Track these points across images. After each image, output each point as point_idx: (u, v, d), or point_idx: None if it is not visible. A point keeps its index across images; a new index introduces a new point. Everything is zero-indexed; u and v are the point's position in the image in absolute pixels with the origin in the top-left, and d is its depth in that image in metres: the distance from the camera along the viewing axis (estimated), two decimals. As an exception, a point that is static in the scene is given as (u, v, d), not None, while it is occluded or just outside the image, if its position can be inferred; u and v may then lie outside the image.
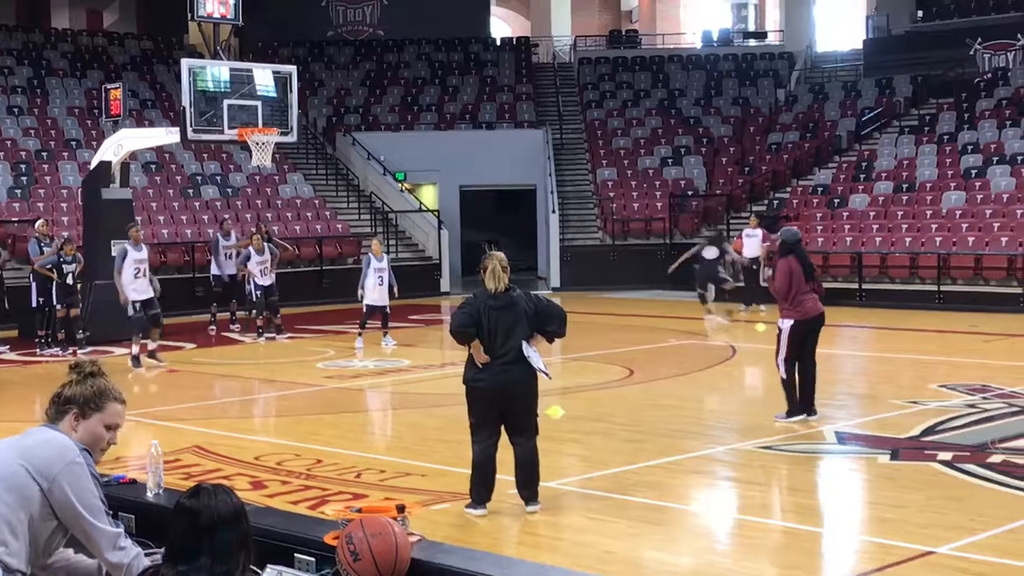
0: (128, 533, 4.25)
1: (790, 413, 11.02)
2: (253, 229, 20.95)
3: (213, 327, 19.75)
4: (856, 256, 23.69)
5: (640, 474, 9.13)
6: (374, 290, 17.44)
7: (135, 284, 15.62)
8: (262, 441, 10.99)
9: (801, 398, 11.04)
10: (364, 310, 17.52)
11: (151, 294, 15.80)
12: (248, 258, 18.86)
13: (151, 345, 15.76)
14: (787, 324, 10.98)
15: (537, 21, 39.53)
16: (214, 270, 20.20)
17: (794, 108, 32.01)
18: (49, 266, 17.55)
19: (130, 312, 15.58)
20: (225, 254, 20.00)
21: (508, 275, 7.90)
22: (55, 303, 17.43)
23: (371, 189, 29.49)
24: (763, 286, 22.53)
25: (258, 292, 18.79)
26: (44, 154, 26.28)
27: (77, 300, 17.68)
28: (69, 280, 17.46)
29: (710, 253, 20.88)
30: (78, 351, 17.00)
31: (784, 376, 11.06)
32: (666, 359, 16.43)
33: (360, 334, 17.45)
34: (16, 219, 22.97)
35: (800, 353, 11.01)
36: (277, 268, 19.21)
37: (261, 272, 18.73)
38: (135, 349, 15.54)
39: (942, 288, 22.44)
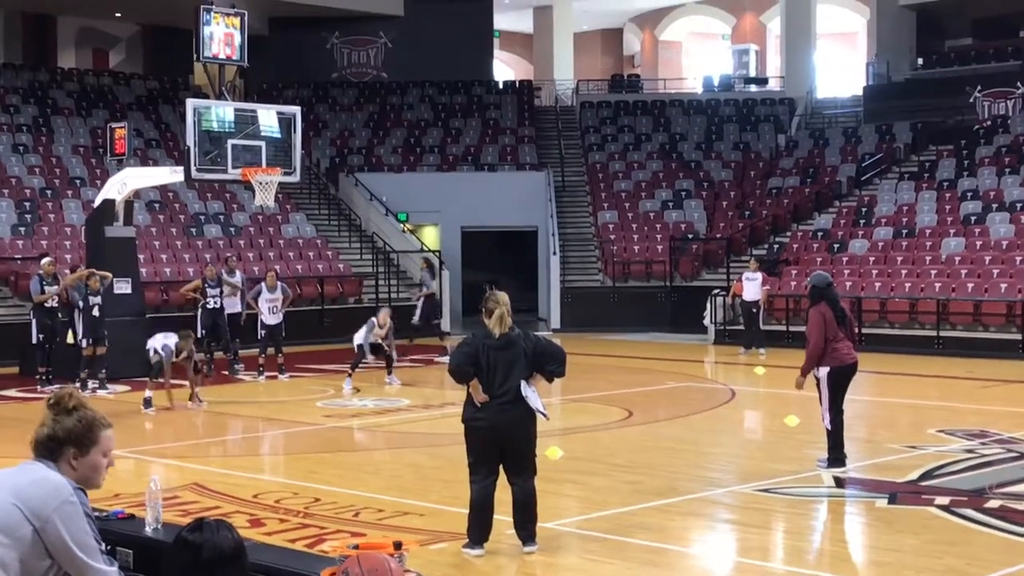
0: (126, 569, 4.26)
1: (832, 462, 10.72)
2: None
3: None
4: (856, 301, 23.70)
5: (638, 516, 9.14)
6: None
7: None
8: (261, 479, 11.00)
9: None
10: (356, 351, 17.58)
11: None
12: (258, 295, 18.90)
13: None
14: (823, 372, 10.72)
15: (540, 65, 39.81)
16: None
17: (794, 153, 32.18)
18: (76, 299, 17.35)
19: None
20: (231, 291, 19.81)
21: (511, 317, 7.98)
22: (81, 339, 16.87)
23: (373, 229, 29.60)
24: (763, 329, 22.72)
25: (263, 331, 18.82)
26: (48, 192, 26.40)
27: (104, 336, 17.07)
28: (96, 312, 16.95)
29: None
30: (97, 390, 16.74)
31: (828, 426, 10.75)
32: (665, 401, 16.45)
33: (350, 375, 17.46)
34: (20, 256, 23.05)
35: (839, 400, 10.75)
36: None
37: (270, 310, 18.75)
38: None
39: (941, 334, 22.46)
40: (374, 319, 17.80)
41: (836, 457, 10.80)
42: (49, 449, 3.91)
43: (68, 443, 3.91)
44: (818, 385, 10.83)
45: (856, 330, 10.87)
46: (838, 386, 10.76)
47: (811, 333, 10.70)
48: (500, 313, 7.87)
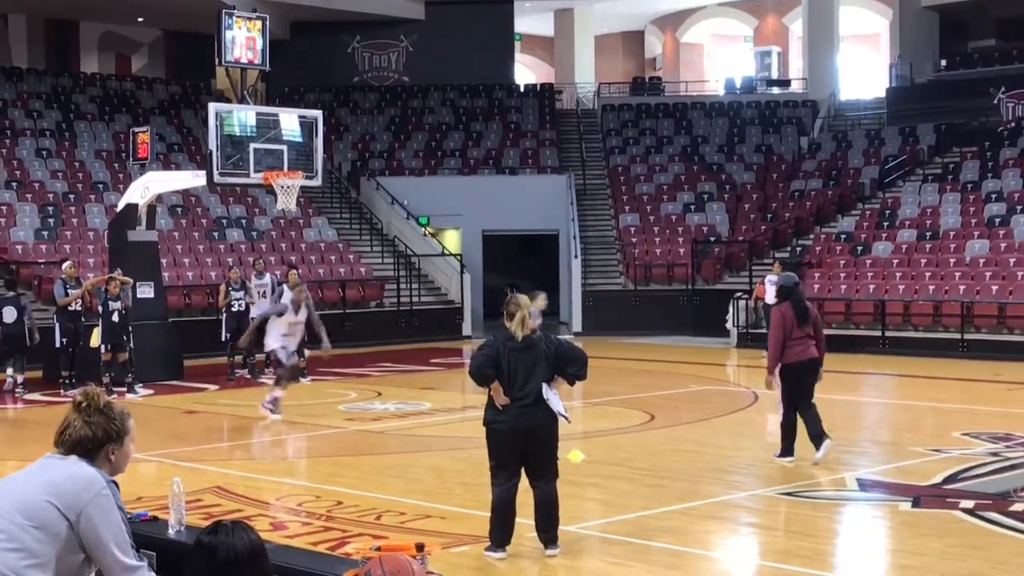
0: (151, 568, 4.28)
1: (783, 453, 11.29)
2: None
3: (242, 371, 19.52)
4: (879, 304, 23.63)
5: (660, 519, 9.11)
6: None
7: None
8: (283, 482, 11.02)
9: (811, 438, 11.18)
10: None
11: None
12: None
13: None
14: (777, 368, 11.32)
15: (561, 68, 39.78)
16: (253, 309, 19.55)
17: (817, 156, 32.06)
18: (91, 301, 17.44)
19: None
20: (259, 292, 19.78)
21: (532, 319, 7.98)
22: (101, 344, 16.83)
23: (394, 233, 29.63)
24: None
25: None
26: (71, 196, 26.54)
27: (124, 343, 17.02)
28: (115, 318, 16.89)
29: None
30: (127, 394, 16.73)
31: (780, 418, 11.43)
32: (687, 404, 16.40)
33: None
34: (43, 260, 23.17)
35: (797, 396, 11.23)
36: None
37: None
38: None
39: (965, 336, 22.34)
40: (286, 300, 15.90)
41: (785, 447, 11.28)
42: (87, 450, 3.98)
43: (108, 441, 4.00)
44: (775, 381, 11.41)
45: (822, 329, 11.51)
46: (794, 382, 11.21)
47: (771, 331, 11.39)
48: (522, 316, 7.86)
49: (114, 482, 3.97)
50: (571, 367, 7.99)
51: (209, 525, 3.70)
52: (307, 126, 18.03)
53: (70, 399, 15.27)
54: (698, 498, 9.85)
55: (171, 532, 5.24)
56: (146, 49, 36.12)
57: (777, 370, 11.29)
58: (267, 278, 20.10)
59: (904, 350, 22.37)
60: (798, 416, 11.21)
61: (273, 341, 15.29)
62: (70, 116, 29.97)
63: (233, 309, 19.20)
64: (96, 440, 3.99)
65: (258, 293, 19.73)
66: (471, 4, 34.65)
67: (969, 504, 9.40)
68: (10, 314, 17.69)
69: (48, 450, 4.07)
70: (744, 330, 24.81)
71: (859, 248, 26.39)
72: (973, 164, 28.26)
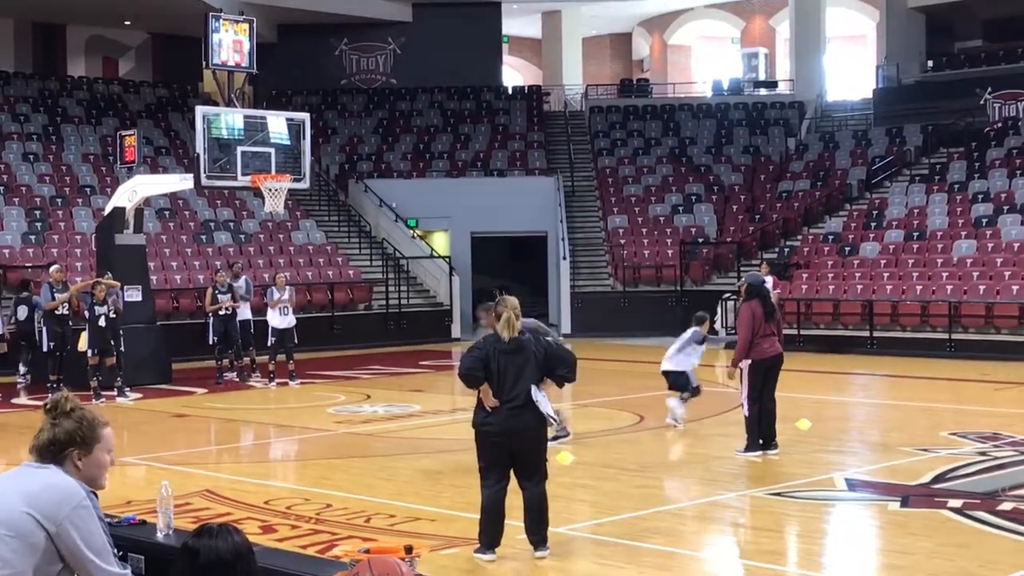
0: (138, 574, 4.27)
1: (748, 448, 11.63)
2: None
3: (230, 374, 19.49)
4: (867, 304, 23.68)
5: (650, 520, 9.12)
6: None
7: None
8: (272, 485, 10.99)
9: (762, 434, 11.65)
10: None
11: None
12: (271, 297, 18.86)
13: None
14: (746, 364, 11.65)
15: (549, 70, 39.80)
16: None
17: (805, 156, 32.13)
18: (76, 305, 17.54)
19: None
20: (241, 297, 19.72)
21: (520, 321, 7.97)
22: (88, 348, 16.81)
23: (383, 235, 29.62)
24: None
25: (272, 337, 18.78)
26: (59, 200, 26.47)
27: (111, 348, 16.95)
28: (102, 323, 16.83)
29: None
30: (116, 398, 16.73)
31: (747, 413, 11.70)
32: (676, 406, 16.37)
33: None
34: (30, 264, 23.11)
35: (761, 391, 11.64)
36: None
37: (280, 311, 18.68)
38: None
39: (953, 336, 22.40)
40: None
41: (752, 442, 11.64)
42: (52, 453, 3.93)
43: (71, 444, 3.93)
44: (740, 376, 11.79)
45: (782, 326, 12.00)
46: (761, 377, 11.62)
47: (740, 328, 11.72)
48: (508, 317, 7.86)
49: (93, 492, 3.93)
50: (560, 369, 8.00)
51: (196, 528, 3.69)
52: (295, 129, 18.02)
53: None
54: (688, 499, 9.87)
55: (159, 536, 5.22)
56: (133, 52, 36.01)
57: (747, 366, 11.63)
58: (242, 281, 19.93)
59: (892, 350, 22.41)
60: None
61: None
62: (57, 120, 29.89)
63: (220, 313, 19.16)
64: (59, 443, 3.92)
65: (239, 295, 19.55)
66: (458, 6, 34.65)
67: (957, 503, 9.42)
68: (23, 312, 17.78)
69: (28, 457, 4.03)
70: (732, 331, 24.80)
71: (847, 249, 26.45)
72: (960, 165, 28.34)
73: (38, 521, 3.76)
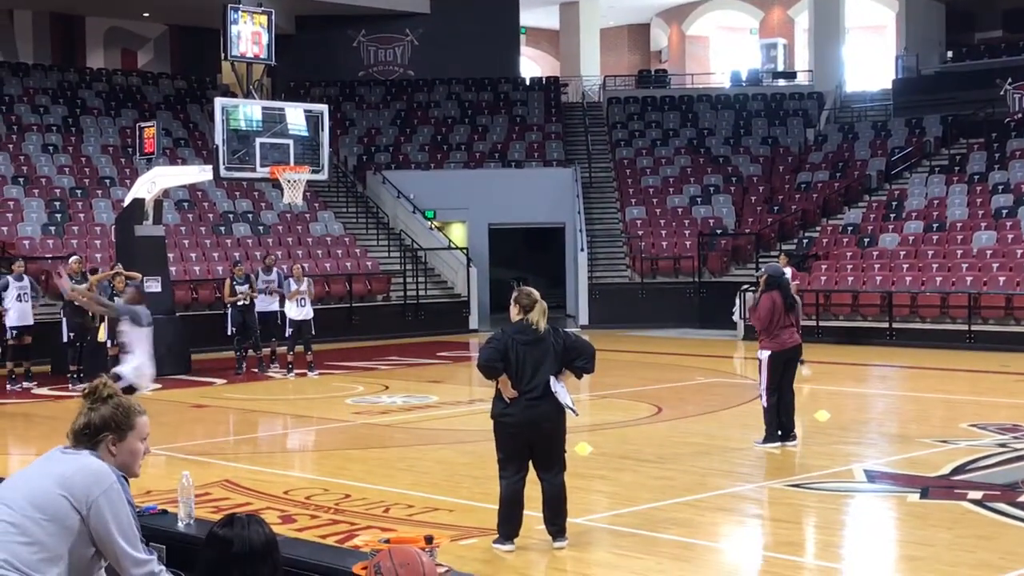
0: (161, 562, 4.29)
1: (767, 439, 11.70)
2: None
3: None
4: (886, 295, 23.60)
5: (668, 511, 9.12)
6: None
7: None
8: (291, 476, 11.04)
9: (781, 425, 11.72)
10: None
11: None
12: (287, 289, 18.88)
13: None
14: (765, 355, 11.70)
15: (566, 61, 39.75)
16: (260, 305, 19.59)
17: (824, 147, 32.01)
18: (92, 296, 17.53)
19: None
20: (266, 287, 19.64)
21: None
22: (108, 338, 16.64)
23: (400, 227, 29.64)
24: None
25: (290, 328, 18.79)
26: (78, 191, 26.57)
27: None
28: None
29: None
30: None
31: (766, 404, 11.76)
32: (694, 397, 16.41)
33: None
34: (50, 256, 23.20)
35: (781, 382, 11.71)
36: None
37: (298, 303, 18.68)
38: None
39: (973, 328, 22.31)
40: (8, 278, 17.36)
41: (770, 434, 11.70)
42: (87, 437, 4.00)
43: (105, 430, 4.00)
44: (759, 367, 11.79)
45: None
46: (780, 368, 11.71)
47: (760, 317, 11.72)
48: (543, 307, 7.90)
49: (124, 477, 3.98)
50: (579, 360, 7.99)
51: (223, 518, 3.71)
52: (313, 120, 18.05)
53: (77, 393, 15.22)
54: (706, 490, 9.86)
55: (180, 525, 5.26)
56: (152, 44, 36.12)
57: (767, 357, 11.64)
58: (274, 273, 19.90)
59: (911, 342, 22.34)
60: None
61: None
62: (76, 111, 29.99)
63: (238, 304, 19.20)
64: (94, 427, 3.99)
65: (265, 288, 19.51)
66: (476, -3, 34.65)
67: (977, 495, 9.39)
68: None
69: (54, 444, 4.08)
70: (751, 322, 24.76)
71: (866, 240, 26.35)
72: (980, 155, 28.20)
73: (72, 504, 3.82)
